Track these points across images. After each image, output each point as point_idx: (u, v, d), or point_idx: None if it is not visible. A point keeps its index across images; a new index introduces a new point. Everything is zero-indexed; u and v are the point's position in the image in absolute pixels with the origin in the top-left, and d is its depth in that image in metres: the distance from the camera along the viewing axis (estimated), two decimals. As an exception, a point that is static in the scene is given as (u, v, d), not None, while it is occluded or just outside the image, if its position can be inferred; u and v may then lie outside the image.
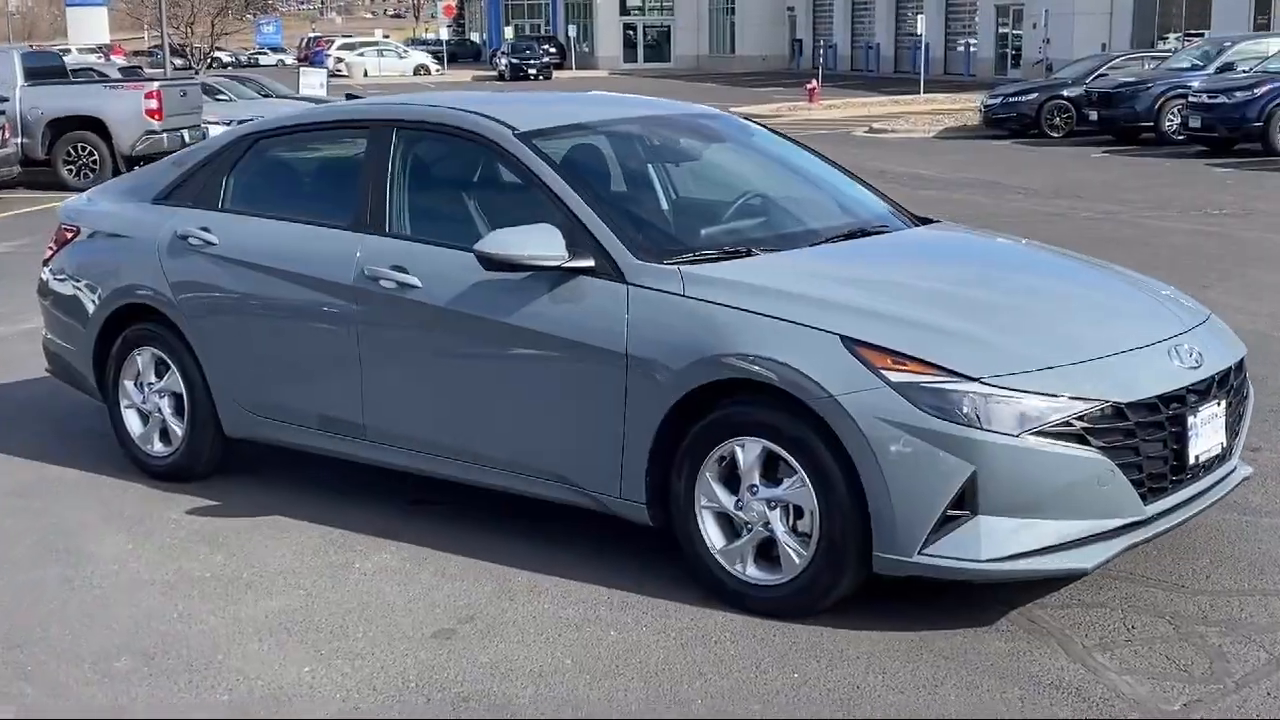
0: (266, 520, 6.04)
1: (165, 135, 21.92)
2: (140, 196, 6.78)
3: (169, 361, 6.47)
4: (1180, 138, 25.05)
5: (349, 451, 5.98)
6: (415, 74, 69.56)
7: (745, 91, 49.01)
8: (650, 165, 6.13)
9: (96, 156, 21.27)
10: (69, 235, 6.99)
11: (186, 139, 22.64)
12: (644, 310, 5.00)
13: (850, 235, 5.69)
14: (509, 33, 74.46)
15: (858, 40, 61.64)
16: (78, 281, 6.85)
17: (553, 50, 69.67)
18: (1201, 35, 40.28)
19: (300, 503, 6.23)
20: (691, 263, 5.12)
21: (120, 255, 6.65)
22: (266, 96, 31.75)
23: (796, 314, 4.73)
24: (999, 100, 29.87)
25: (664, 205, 5.82)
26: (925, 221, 6.14)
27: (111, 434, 6.90)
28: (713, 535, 4.89)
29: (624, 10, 73.62)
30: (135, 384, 6.68)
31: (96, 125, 21.27)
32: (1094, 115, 27.17)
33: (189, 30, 51.95)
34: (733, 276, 5.00)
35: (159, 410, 6.57)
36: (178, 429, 6.51)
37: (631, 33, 73.96)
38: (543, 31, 77.85)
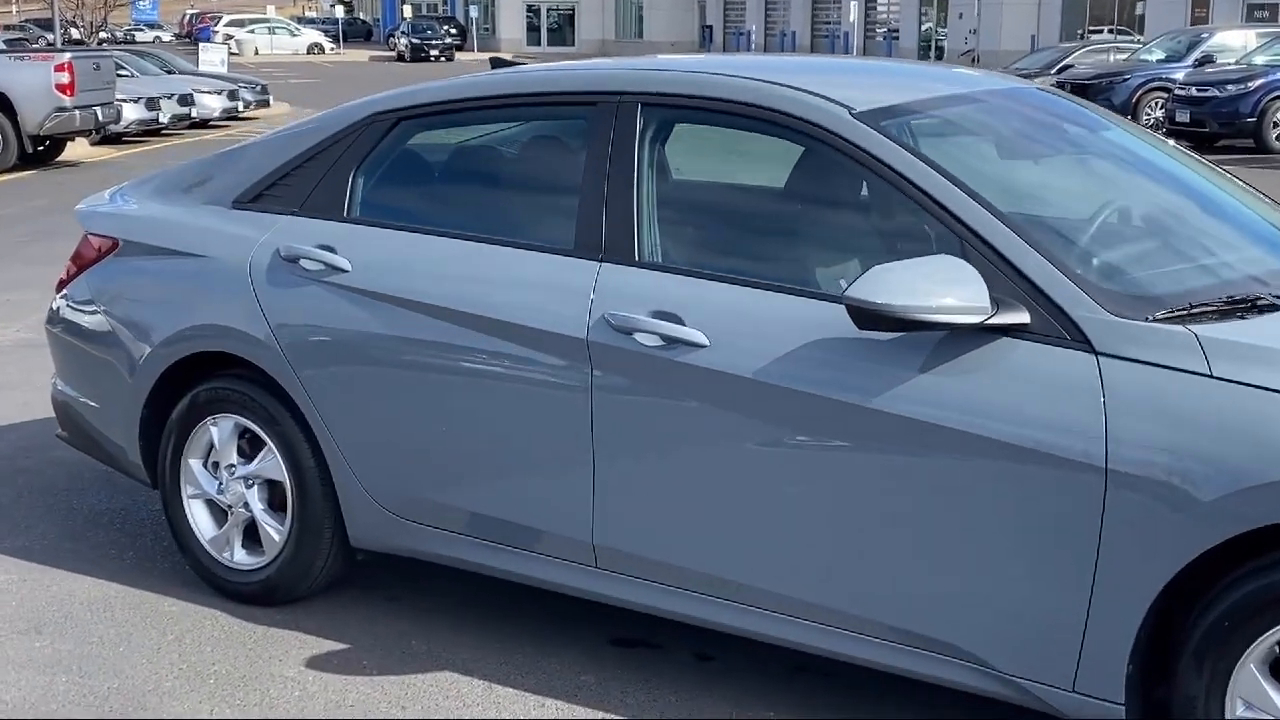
0: (429, 679, 4.09)
1: (77, 113, 19.54)
2: (209, 197, 4.75)
3: (263, 436, 4.47)
4: (1162, 131, 23.86)
5: (561, 581, 4.05)
6: (309, 53, 66.70)
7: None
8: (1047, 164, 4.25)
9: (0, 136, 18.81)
10: (100, 249, 4.93)
11: (100, 117, 20.31)
12: (1135, 397, 3.16)
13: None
14: (407, 11, 71.84)
15: (772, 28, 60.08)
16: (116, 316, 4.81)
17: (454, 31, 67.24)
18: (1127, 31, 39.46)
19: (451, 631, 4.28)
20: (1201, 320, 3.25)
21: (188, 282, 4.62)
22: (170, 73, 29.41)
23: None
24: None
25: (1106, 225, 3.91)
26: None
27: (158, 528, 4.88)
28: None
29: (527, -10, 71.56)
30: (206, 465, 4.67)
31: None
32: (1069, 108, 25.88)
33: (79, 2, 48.74)
34: None
35: (245, 504, 4.57)
36: (274, 532, 4.51)
37: (534, 15, 71.72)
38: (441, 11, 75.29)
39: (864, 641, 3.59)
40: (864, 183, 3.84)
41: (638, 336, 3.74)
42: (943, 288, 3.23)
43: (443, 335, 4.09)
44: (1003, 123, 4.19)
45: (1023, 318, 3.29)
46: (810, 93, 3.76)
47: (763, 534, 3.66)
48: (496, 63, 5.01)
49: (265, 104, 31.17)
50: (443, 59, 59.23)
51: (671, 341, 3.69)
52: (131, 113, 23.26)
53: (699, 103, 3.93)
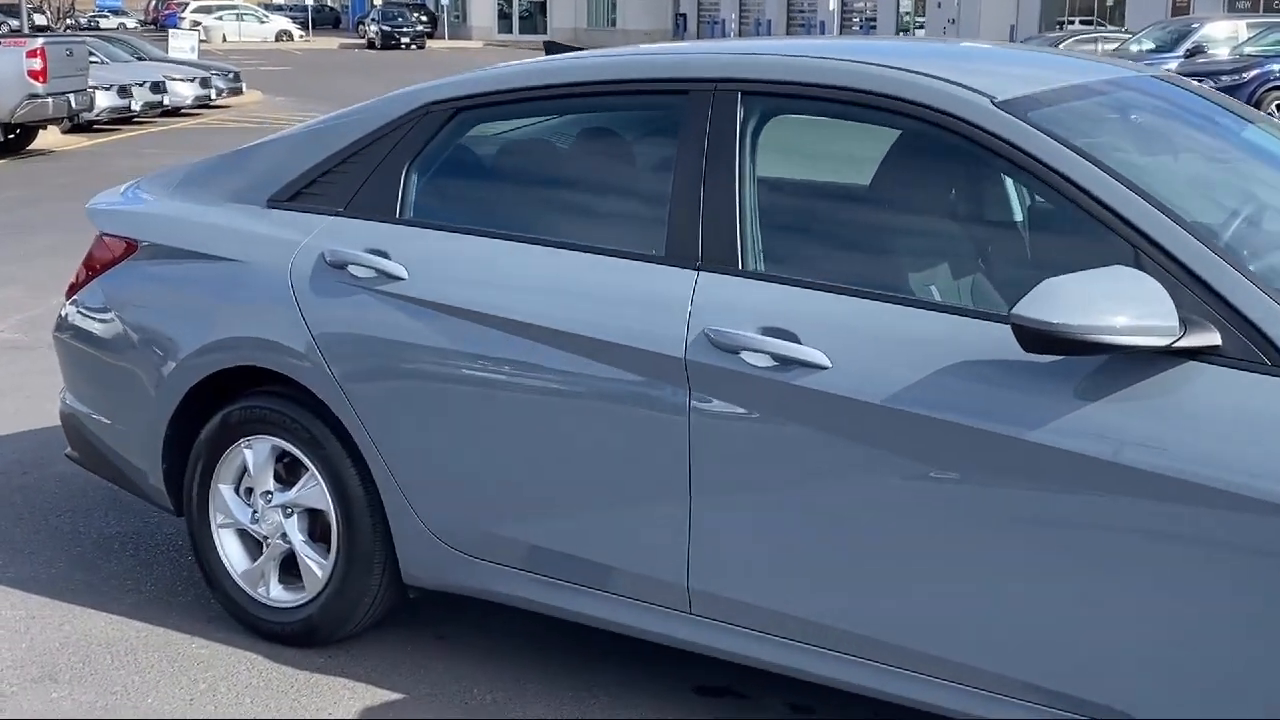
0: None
1: (50, 100, 18.95)
2: (240, 195, 4.29)
3: (305, 460, 4.02)
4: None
5: (647, 627, 3.62)
6: (278, 40, 65.86)
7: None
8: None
9: (-31, 123, 18.25)
10: (116, 251, 4.45)
11: (73, 104, 19.73)
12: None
13: None
14: (377, -1, 71.09)
15: (746, 16, 59.55)
16: (135, 325, 4.34)
17: (425, 19, 66.50)
18: (1100, 22, 39.25)
19: (514, 678, 3.86)
20: None
21: (219, 289, 4.16)
22: (141, 59, 28.78)
23: None
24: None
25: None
26: None
27: (175, 554, 4.44)
28: None
29: (498, -21, 70.91)
30: (238, 491, 4.21)
31: (-32, 87, 18.22)
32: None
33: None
34: None
35: (282, 535, 4.11)
36: (316, 566, 4.06)
37: (505, 3, 71.00)
38: (411, -1, 74.54)
39: (998, 701, 3.17)
40: (1008, 181, 3.40)
41: (745, 356, 3.30)
42: (1124, 305, 2.81)
43: (514, 351, 3.65)
44: (1140, 115, 3.77)
45: (1213, 339, 2.87)
46: (945, 79, 3.32)
47: (889, 580, 3.24)
48: (552, 47, 4.57)
49: (238, 92, 30.55)
50: (414, 47, 58.53)
51: (785, 362, 3.25)
52: (103, 100, 22.66)
53: (813, 91, 3.48)
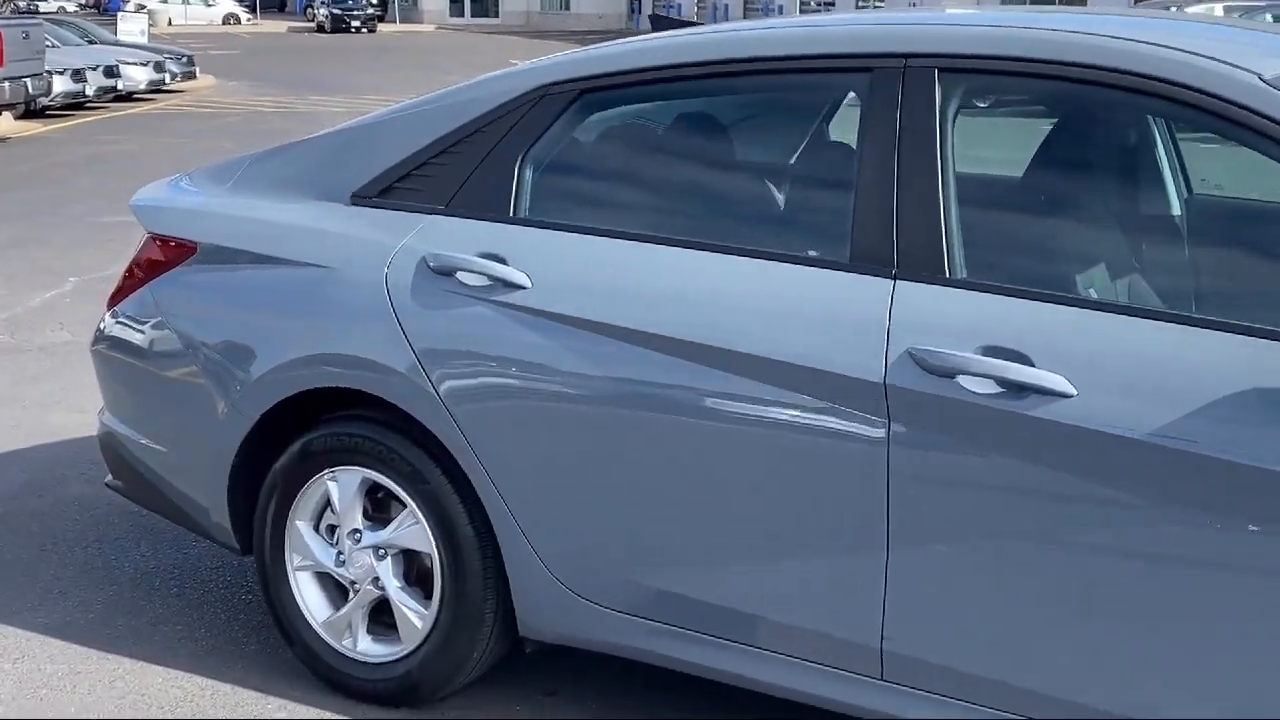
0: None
1: (6, 84, 18.23)
2: (317, 190, 3.74)
3: (402, 495, 3.49)
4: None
5: (824, 694, 3.12)
6: (225, 23, 64.66)
7: (597, 51, 45.88)
8: None
9: (-76, 109, 17.49)
10: (169, 255, 3.89)
11: (30, 89, 18.99)
12: None
13: None
14: (326, -19, 69.82)
15: (704, 1, 59.02)
16: (194, 339, 3.79)
17: (375, 2, 65.49)
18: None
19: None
20: None
21: (299, 299, 3.61)
22: (92, 43, 27.95)
23: None
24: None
25: None
26: None
27: (226, 592, 3.90)
28: None
29: (447, -38, 69.90)
30: (317, 528, 3.67)
31: (-78, 71, 17.48)
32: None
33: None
34: None
35: (374, 580, 3.57)
36: (415, 616, 3.53)
37: (457, -14, 70.15)
38: (359, -18, 73.31)
39: None
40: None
41: (963, 381, 2.79)
42: None
43: (664, 373, 3.13)
44: None
45: None
46: (1200, 55, 2.82)
47: (1149, 650, 2.74)
48: (658, 21, 4.02)
49: (192, 76, 29.75)
50: (364, 30, 57.61)
51: (1016, 388, 2.75)
52: (58, 85, 21.86)
53: (1035, 68, 2.96)
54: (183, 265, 3.87)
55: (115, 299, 4.03)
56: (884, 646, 2.99)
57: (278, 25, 64.95)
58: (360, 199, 3.66)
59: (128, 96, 25.92)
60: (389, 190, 3.63)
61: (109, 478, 4.21)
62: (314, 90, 28.35)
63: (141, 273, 3.96)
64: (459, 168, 3.53)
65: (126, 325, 3.98)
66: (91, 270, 9.64)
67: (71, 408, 6.34)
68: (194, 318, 3.83)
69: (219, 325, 3.78)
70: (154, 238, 3.96)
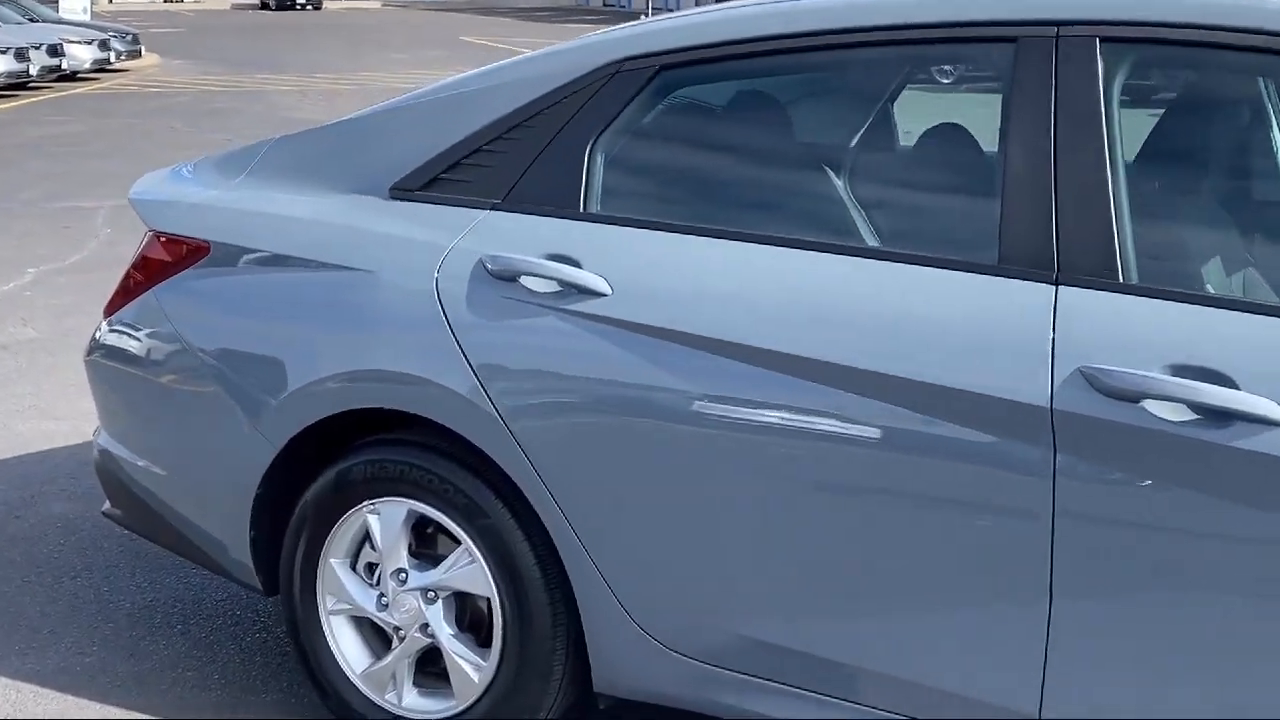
0: None
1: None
2: (350, 182, 3.29)
3: (455, 529, 3.04)
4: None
5: (967, 764, 2.66)
6: (167, 1, 63.57)
7: (547, 27, 45.40)
8: None
9: None
10: (178, 255, 3.41)
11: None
12: None
13: None
14: (268, -42, 68.76)
15: (655, -22, 58.42)
16: (211, 352, 3.32)
17: (320, -22, 64.53)
18: None
19: None
20: None
21: (333, 307, 3.16)
22: (34, 21, 27.14)
23: None
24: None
25: None
26: None
27: (237, 629, 3.45)
28: None
29: (391, -61, 68.94)
30: (353, 566, 3.21)
31: None
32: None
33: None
34: None
35: (422, 626, 3.12)
36: (471, 667, 3.09)
37: (402, -37, 69.20)
38: (302, -42, 72.20)
39: None
40: None
41: (1149, 406, 2.37)
42: None
43: (772, 395, 2.71)
44: None
45: None
46: None
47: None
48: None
49: (136, 55, 29.00)
50: (309, 8, 56.82)
51: (1216, 415, 2.34)
52: (0, 64, 21.12)
53: (1230, 39, 2.53)
54: (194, 267, 3.40)
55: (113, 306, 3.56)
56: (1043, 715, 2.57)
57: (220, 2, 63.92)
58: (401, 192, 3.20)
59: (72, 76, 25.20)
60: (434, 182, 3.17)
61: (106, 506, 3.74)
62: (261, 68, 27.70)
63: (144, 276, 3.49)
64: (517, 156, 3.08)
65: (129, 336, 3.51)
66: (50, 260, 9.11)
67: (44, 414, 5.84)
68: (208, 327, 3.36)
69: (238, 336, 3.32)
70: (159, 236, 3.48)
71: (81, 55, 25.51)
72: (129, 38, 28.82)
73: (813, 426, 2.67)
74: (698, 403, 2.77)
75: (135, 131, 16.78)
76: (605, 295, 2.86)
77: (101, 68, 26.47)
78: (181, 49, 33.70)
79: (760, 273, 2.77)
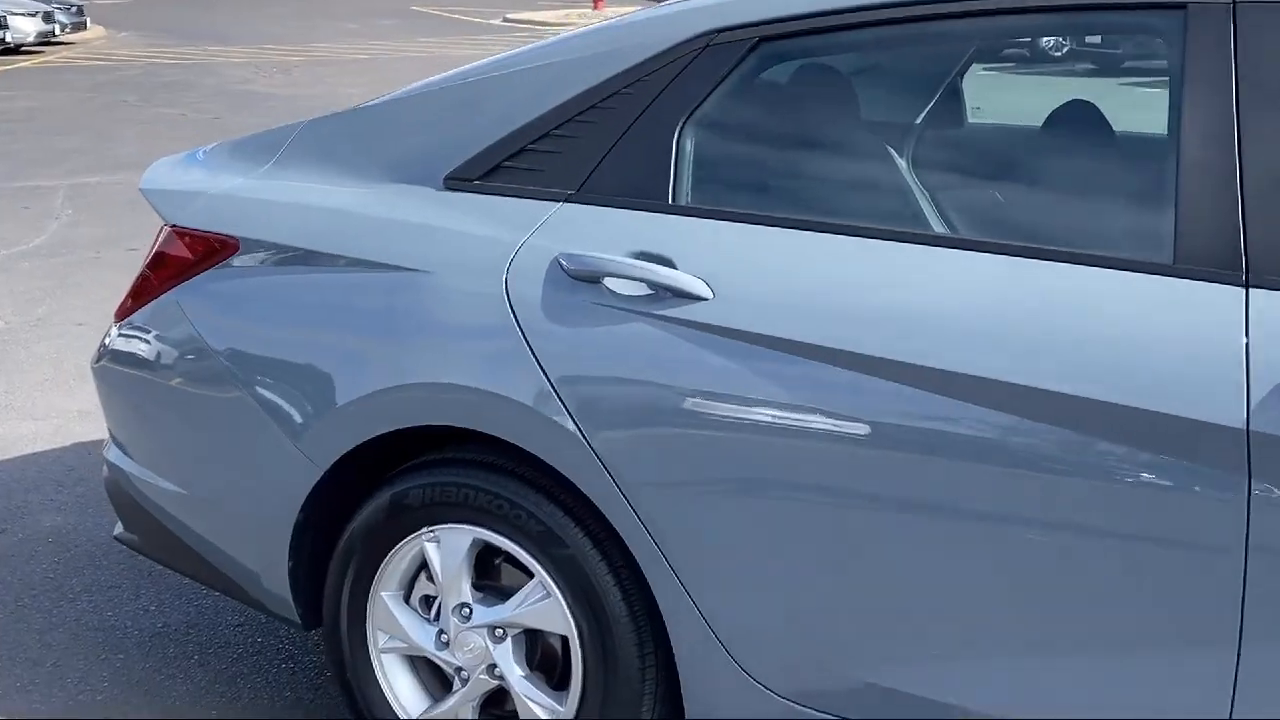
0: None
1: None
2: (399, 171, 2.93)
3: (528, 560, 2.70)
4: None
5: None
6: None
7: (499, -2, 44.78)
8: None
9: None
10: (200, 252, 3.04)
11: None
12: None
13: None
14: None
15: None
16: (241, 361, 2.95)
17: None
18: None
19: None
20: None
21: (384, 312, 2.80)
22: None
23: None
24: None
25: None
26: None
27: (261, 659, 3.12)
28: None
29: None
30: (408, 600, 2.87)
31: None
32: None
33: None
34: None
35: (489, 668, 2.78)
36: (544, 712, 2.76)
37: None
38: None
39: None
40: None
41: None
42: None
43: (904, 412, 2.38)
44: None
45: None
46: None
47: None
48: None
49: (82, 27, 28.27)
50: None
51: None
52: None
53: None
54: (219, 266, 3.03)
55: (125, 309, 3.18)
56: (1223, 772, 2.26)
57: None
58: (458, 182, 2.85)
59: (15, 50, 24.52)
60: (496, 170, 2.82)
61: (119, 529, 3.37)
62: (211, 40, 27.09)
63: (161, 276, 3.11)
64: (593, 141, 2.74)
65: (145, 341, 3.14)
66: (13, 244, 8.67)
67: (22, 413, 5.45)
68: (237, 333, 3.00)
69: (272, 344, 2.96)
70: (177, 231, 3.10)
71: (25, 28, 24.83)
72: (74, 9, 28.09)
73: (949, 447, 2.34)
74: (812, 418, 2.43)
75: (87, 106, 16.25)
76: (705, 299, 2.52)
77: (46, 40, 25.77)
78: (128, 20, 32.94)
79: (887, 273, 2.44)
